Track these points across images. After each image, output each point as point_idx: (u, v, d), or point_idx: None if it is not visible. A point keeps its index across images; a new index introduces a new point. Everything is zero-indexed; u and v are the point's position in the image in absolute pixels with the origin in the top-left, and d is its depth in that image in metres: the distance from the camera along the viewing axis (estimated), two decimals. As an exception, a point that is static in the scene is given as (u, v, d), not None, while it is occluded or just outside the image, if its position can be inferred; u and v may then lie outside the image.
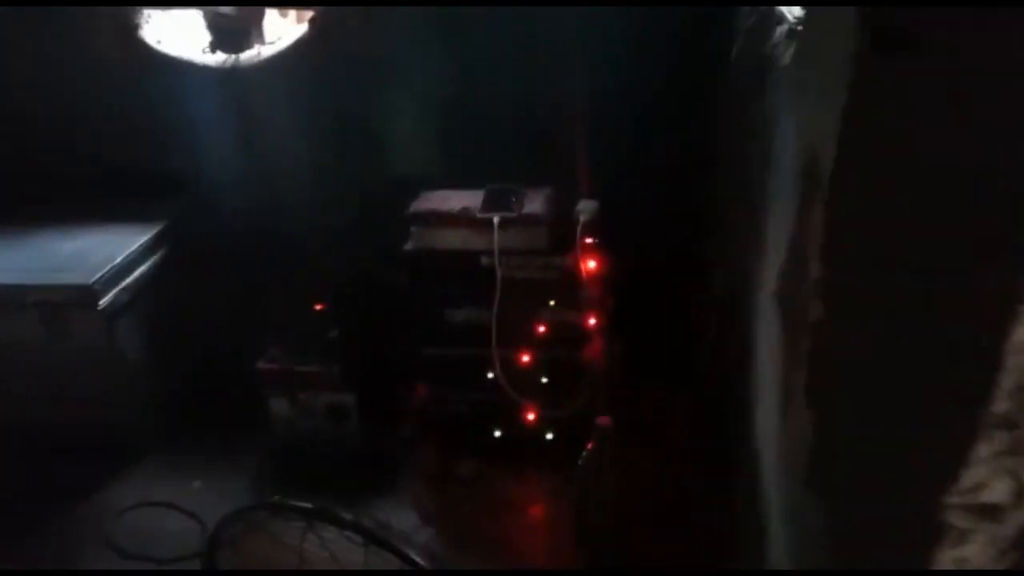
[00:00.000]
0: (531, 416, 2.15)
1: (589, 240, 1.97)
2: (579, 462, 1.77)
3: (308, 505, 1.41)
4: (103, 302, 2.25)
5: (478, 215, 1.99)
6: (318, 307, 2.41)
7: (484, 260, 2.03)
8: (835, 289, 0.90)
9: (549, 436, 2.15)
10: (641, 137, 2.15)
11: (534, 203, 2.03)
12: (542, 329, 2.07)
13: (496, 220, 1.97)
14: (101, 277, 2.26)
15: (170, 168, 2.59)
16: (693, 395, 1.92)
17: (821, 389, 0.93)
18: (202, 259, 2.57)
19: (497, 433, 2.19)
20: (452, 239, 2.04)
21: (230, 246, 2.60)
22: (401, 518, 2.13)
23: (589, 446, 1.73)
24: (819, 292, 0.91)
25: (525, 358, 2.10)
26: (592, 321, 2.02)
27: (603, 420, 1.70)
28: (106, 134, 2.59)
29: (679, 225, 2.12)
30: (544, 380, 2.10)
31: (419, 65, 2.32)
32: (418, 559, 1.30)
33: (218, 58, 2.61)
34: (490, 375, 2.12)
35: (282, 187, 2.60)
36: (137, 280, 2.38)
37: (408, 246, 2.10)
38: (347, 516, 1.37)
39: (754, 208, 1.55)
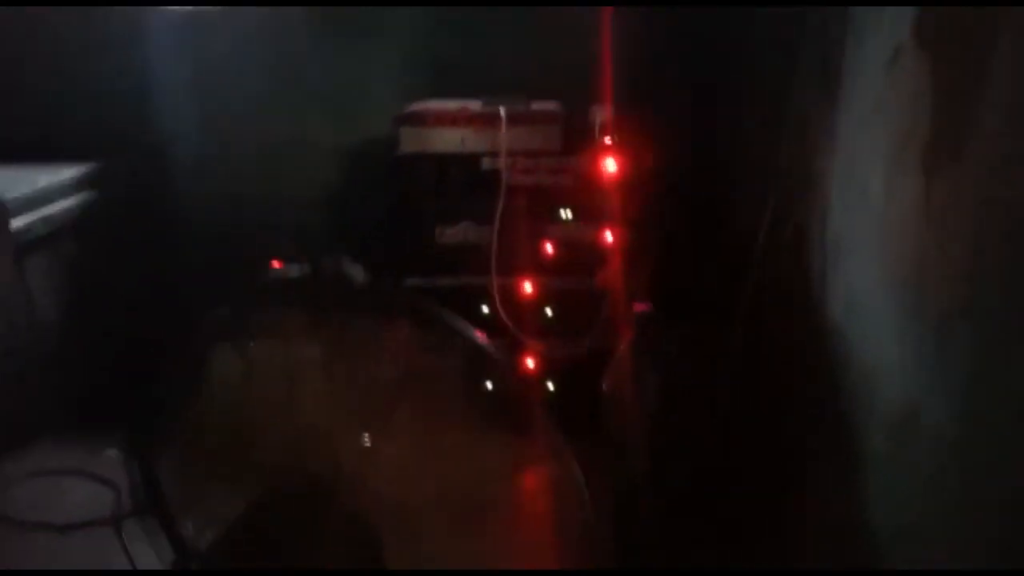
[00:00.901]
0: (531, 363, 1.81)
1: (608, 140, 1.71)
2: (605, 377, 1.44)
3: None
4: (15, 224, 1.86)
5: (481, 107, 1.72)
6: (275, 264, 2.07)
7: (487, 163, 1.75)
8: None
9: (550, 386, 1.81)
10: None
11: (543, 103, 1.78)
12: (550, 249, 1.77)
13: (504, 111, 1.70)
14: (18, 199, 1.89)
15: (116, 116, 2.25)
16: (740, 331, 1.62)
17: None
18: (143, 211, 2.23)
19: (489, 385, 1.83)
20: (449, 140, 1.76)
21: (182, 205, 2.27)
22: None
23: (622, 347, 1.41)
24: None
25: (528, 287, 1.78)
26: (610, 238, 1.74)
27: (641, 306, 1.39)
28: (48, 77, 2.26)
29: (713, 121, 1.88)
30: (548, 312, 1.78)
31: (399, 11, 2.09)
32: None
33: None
34: (484, 309, 1.79)
35: (241, 147, 2.29)
36: (59, 214, 2.01)
37: (396, 152, 1.80)
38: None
39: (824, 49, 1.33)
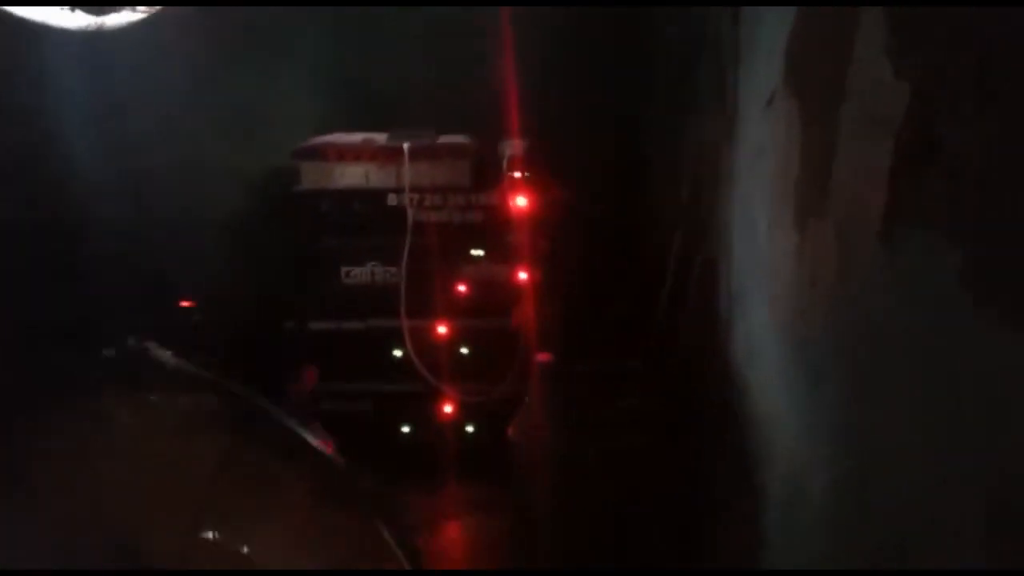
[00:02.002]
0: (448, 409, 1.72)
1: (518, 175, 1.64)
2: (511, 425, 1.36)
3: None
4: None
5: (386, 142, 1.64)
6: (184, 304, 1.96)
7: (392, 199, 1.66)
8: None
9: (470, 429, 1.72)
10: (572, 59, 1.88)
11: (452, 137, 1.70)
12: (463, 289, 1.69)
13: (407, 147, 1.62)
14: None
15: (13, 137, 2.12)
16: (651, 365, 1.56)
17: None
18: (40, 242, 2.09)
19: (406, 429, 1.74)
20: (352, 175, 1.67)
21: (85, 238, 2.13)
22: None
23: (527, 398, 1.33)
24: None
25: (441, 329, 1.70)
26: (524, 276, 1.66)
27: (543, 356, 1.31)
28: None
29: (620, 153, 1.82)
30: (464, 352, 1.69)
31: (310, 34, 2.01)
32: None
33: (79, 19, 2.23)
34: (397, 353, 1.70)
35: (145, 166, 2.17)
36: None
37: (297, 188, 1.71)
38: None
39: (720, 85, 1.28)
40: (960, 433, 0.56)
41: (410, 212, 1.64)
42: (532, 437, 1.39)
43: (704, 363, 1.29)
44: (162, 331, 1.83)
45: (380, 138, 1.70)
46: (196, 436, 1.00)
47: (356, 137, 1.70)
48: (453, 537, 1.71)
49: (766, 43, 1.00)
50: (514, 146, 1.68)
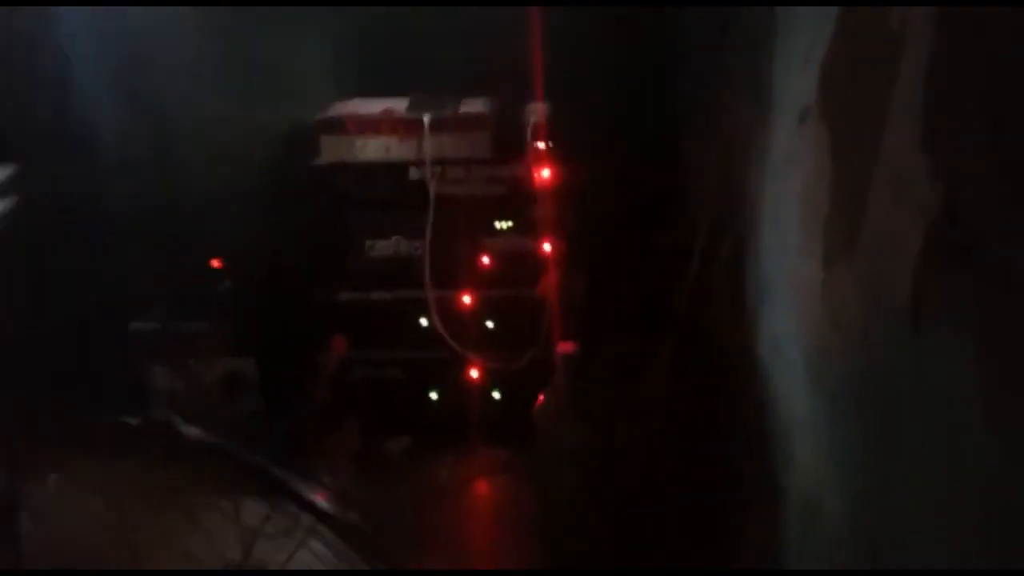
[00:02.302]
0: (475, 373, 1.75)
1: (541, 145, 1.60)
2: (536, 408, 1.38)
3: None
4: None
5: (405, 114, 1.60)
6: (215, 263, 1.99)
7: (414, 173, 1.64)
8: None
9: (496, 395, 1.75)
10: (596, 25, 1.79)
11: (472, 104, 1.65)
12: (487, 260, 1.68)
13: (427, 119, 1.58)
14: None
15: (36, 111, 2.11)
16: (673, 332, 1.55)
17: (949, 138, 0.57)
18: (70, 211, 2.11)
19: (434, 396, 1.78)
20: (373, 148, 1.64)
21: (111, 203, 2.15)
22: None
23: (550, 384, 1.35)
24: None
25: (466, 299, 1.71)
26: (547, 247, 1.65)
27: (566, 346, 1.32)
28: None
29: (649, 125, 1.76)
30: (490, 325, 1.71)
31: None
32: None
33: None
34: (423, 322, 1.72)
35: (172, 136, 2.15)
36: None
37: (317, 161, 1.69)
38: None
39: (751, 66, 1.22)
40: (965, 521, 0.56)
41: (432, 185, 1.62)
42: (552, 423, 1.41)
43: (730, 352, 1.29)
44: (191, 299, 1.89)
45: (400, 107, 1.65)
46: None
47: (376, 107, 1.67)
48: (482, 496, 1.78)
49: (802, 47, 0.95)
50: (538, 112, 1.63)
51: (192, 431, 1.06)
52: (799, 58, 0.96)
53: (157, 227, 2.14)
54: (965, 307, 0.57)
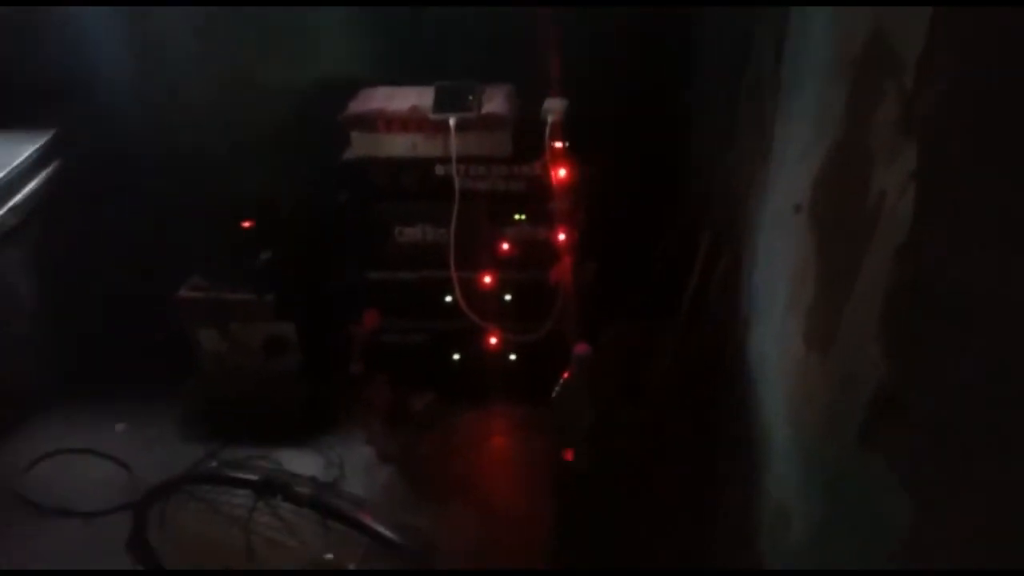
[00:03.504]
0: (493, 340, 1.95)
1: (559, 145, 1.72)
2: (554, 394, 1.58)
3: (253, 476, 1.16)
4: (-14, 222, 1.91)
5: (431, 116, 1.71)
6: (245, 224, 2.12)
7: (439, 169, 1.76)
8: (932, 196, 0.69)
9: (513, 357, 1.95)
10: (614, 21, 1.86)
11: (494, 102, 1.75)
12: (506, 247, 1.84)
13: (453, 122, 1.69)
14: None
15: (52, 71, 2.16)
16: (677, 324, 1.73)
17: (900, 324, 0.74)
18: (102, 177, 2.22)
19: (456, 357, 1.98)
20: (400, 145, 1.76)
21: (134, 162, 2.24)
22: (354, 456, 1.94)
23: (565, 376, 1.54)
24: (916, 195, 0.70)
25: (487, 279, 1.87)
26: (562, 237, 1.80)
27: (581, 347, 1.50)
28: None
29: (660, 125, 1.87)
30: (507, 299, 1.88)
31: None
32: (389, 534, 1.10)
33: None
34: (448, 299, 1.89)
35: (189, 92, 2.22)
36: (26, 200, 2.03)
37: (348, 155, 1.80)
38: (303, 489, 1.12)
39: (759, 113, 1.33)
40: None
41: (457, 181, 1.74)
42: (565, 414, 1.61)
43: (725, 358, 1.47)
44: (233, 268, 2.03)
45: (425, 100, 1.74)
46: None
47: (402, 101, 1.76)
48: (500, 449, 2.02)
49: (798, 151, 1.07)
50: (556, 108, 1.73)
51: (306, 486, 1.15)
52: (796, 153, 1.08)
53: (185, 191, 2.26)
54: (900, 450, 0.75)
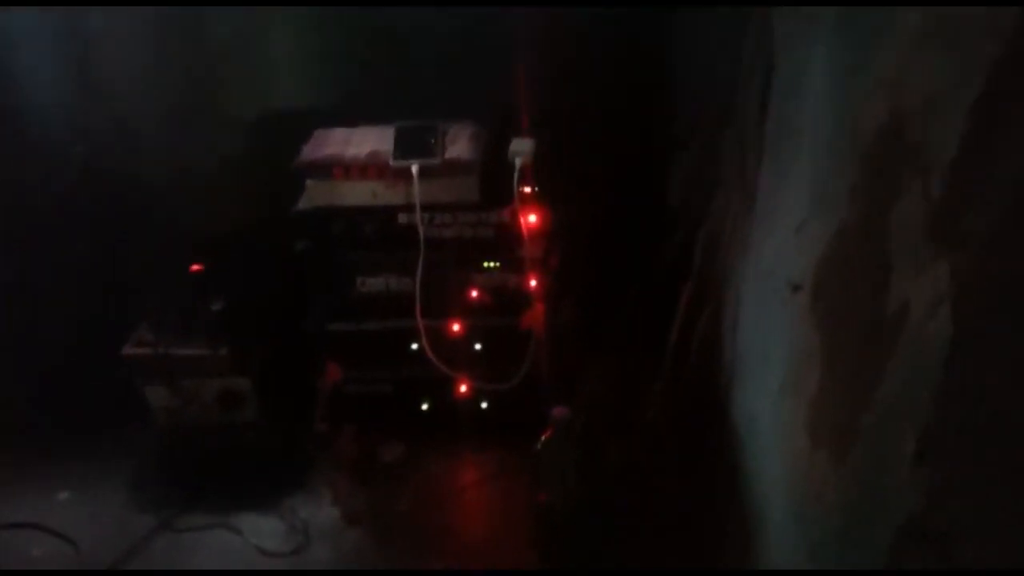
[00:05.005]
0: (463, 388, 1.86)
1: (527, 189, 1.63)
2: (535, 458, 1.50)
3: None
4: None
5: (392, 163, 1.60)
6: (194, 268, 1.99)
7: (402, 218, 1.66)
8: (972, 324, 0.63)
9: (484, 405, 1.87)
10: (586, 56, 1.78)
11: (458, 144, 1.65)
12: (475, 294, 1.75)
13: (415, 169, 1.59)
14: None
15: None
16: (656, 373, 1.67)
17: (941, 457, 0.67)
18: (35, 217, 2.06)
19: (425, 406, 1.89)
20: (360, 194, 1.65)
21: (70, 199, 2.09)
22: (320, 518, 1.83)
23: (545, 436, 1.46)
24: (954, 323, 0.64)
25: (456, 327, 1.78)
26: (534, 284, 1.71)
27: (560, 411, 1.42)
28: None
29: (636, 168, 1.80)
30: (478, 347, 1.79)
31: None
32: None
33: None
34: (414, 346, 1.80)
35: (130, 122, 2.08)
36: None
37: (303, 204, 1.69)
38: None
39: (741, 167, 1.27)
40: None
41: (421, 230, 1.64)
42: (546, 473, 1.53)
43: (711, 406, 1.42)
44: (184, 319, 1.91)
45: (385, 144, 1.64)
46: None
47: (360, 145, 1.65)
48: (476, 499, 1.93)
49: (792, 223, 1.01)
50: (524, 151, 1.64)
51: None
52: (790, 221, 1.02)
53: (131, 229, 2.12)
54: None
